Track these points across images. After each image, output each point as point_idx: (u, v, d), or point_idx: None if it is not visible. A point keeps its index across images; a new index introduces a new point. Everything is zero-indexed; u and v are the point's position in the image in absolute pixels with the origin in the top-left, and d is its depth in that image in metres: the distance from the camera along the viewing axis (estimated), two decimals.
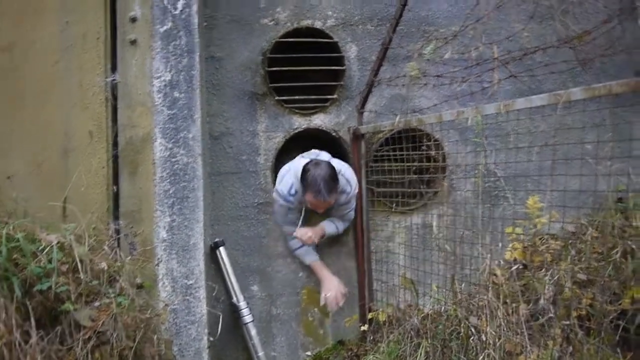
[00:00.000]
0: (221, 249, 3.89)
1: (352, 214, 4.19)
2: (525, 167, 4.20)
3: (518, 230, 3.79)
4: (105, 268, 3.24)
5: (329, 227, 4.16)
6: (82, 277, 3.08)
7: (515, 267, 3.45)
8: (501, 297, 3.37)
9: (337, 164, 3.90)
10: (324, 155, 3.99)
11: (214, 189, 4.19)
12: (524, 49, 3.61)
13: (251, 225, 4.25)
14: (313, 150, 4.04)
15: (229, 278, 3.93)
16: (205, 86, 4.11)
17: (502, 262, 3.59)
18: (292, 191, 3.89)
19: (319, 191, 3.62)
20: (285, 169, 4.03)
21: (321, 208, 3.83)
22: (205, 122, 4.02)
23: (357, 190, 4.04)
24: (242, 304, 3.90)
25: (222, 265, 3.92)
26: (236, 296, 3.92)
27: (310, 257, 4.20)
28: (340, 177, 3.80)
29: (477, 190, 4.19)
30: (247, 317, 3.93)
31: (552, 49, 3.93)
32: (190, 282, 3.56)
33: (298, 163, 3.89)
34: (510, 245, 3.74)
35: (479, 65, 3.31)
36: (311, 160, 3.78)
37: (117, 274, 3.30)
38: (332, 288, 4.16)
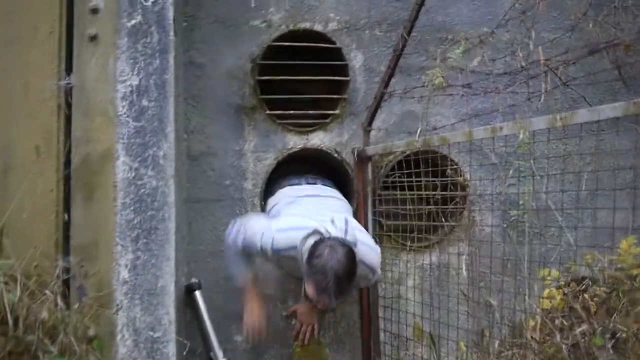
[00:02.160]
0: (197, 292, 3.21)
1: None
2: (557, 198, 3.57)
3: (554, 273, 3.14)
4: (46, 318, 2.55)
5: None
6: (12, 331, 2.39)
7: (566, 321, 2.77)
8: None
9: (358, 239, 2.93)
10: (336, 205, 3.21)
11: (191, 219, 3.56)
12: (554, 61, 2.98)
13: None
14: (318, 186, 3.29)
15: (206, 328, 3.23)
16: (183, 96, 3.49)
17: (540, 313, 2.92)
18: (284, 252, 3.00)
19: (324, 289, 2.72)
20: (281, 201, 3.29)
21: (321, 306, 2.97)
22: (181, 138, 3.41)
23: (380, 276, 3.29)
24: None
25: (199, 312, 3.23)
26: (214, 351, 3.21)
27: (241, 271, 3.22)
28: (361, 266, 2.89)
29: (506, 224, 3.54)
30: None
31: (588, 63, 3.36)
32: (157, 334, 2.87)
33: (303, 222, 3.02)
34: (546, 291, 3.09)
35: (521, 71, 2.66)
36: (326, 239, 2.81)
37: (62, 326, 2.61)
38: (250, 323, 3.27)
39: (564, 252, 3.73)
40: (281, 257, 3.05)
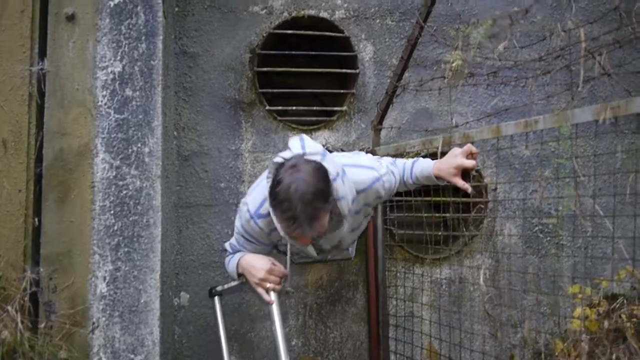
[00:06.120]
0: (216, 299, 2.75)
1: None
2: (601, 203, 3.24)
3: (587, 290, 2.79)
4: (7, 339, 2.19)
5: None
6: None
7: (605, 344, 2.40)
8: None
9: (339, 164, 2.32)
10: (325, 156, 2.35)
11: (181, 226, 3.21)
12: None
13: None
14: (302, 138, 2.37)
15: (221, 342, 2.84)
16: (173, 89, 3.16)
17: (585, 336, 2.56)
18: (263, 211, 2.38)
19: (293, 217, 2.12)
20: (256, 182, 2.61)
21: (303, 242, 2.34)
22: (171, 136, 3.08)
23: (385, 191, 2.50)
24: None
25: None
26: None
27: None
28: (338, 183, 2.23)
29: (538, 230, 3.19)
30: None
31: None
32: (139, 357, 2.52)
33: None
34: (577, 310, 2.73)
35: (557, 57, 2.31)
36: (286, 161, 2.22)
37: (29, 350, 2.25)
38: (263, 276, 2.44)
39: (592, 266, 3.41)
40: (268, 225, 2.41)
